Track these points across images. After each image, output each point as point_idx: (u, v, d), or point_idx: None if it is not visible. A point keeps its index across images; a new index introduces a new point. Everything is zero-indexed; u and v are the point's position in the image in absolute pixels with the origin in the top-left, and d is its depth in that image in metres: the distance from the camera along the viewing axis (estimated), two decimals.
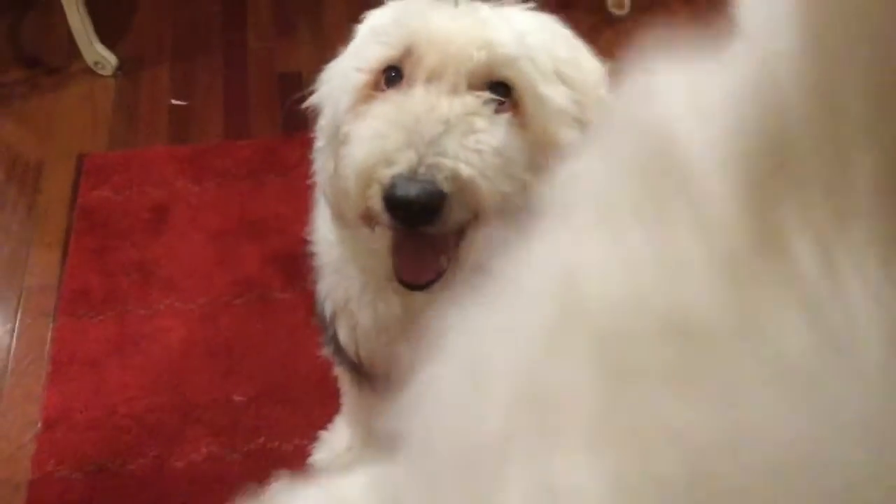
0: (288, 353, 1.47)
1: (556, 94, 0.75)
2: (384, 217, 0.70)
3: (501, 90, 0.74)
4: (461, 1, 0.77)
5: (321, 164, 0.83)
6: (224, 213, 1.72)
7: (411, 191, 0.67)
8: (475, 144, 0.70)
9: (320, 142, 0.84)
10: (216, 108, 1.96)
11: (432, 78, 0.73)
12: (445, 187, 0.68)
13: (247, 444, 1.34)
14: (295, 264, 1.61)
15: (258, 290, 1.57)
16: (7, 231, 1.69)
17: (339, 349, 0.99)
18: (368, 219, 0.74)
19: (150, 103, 1.97)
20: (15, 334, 1.51)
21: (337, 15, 2.14)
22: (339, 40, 0.84)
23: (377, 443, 1.27)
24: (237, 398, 1.40)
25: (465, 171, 0.69)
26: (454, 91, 0.72)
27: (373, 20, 0.81)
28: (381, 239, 0.77)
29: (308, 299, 1.54)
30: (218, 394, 1.41)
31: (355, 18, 0.83)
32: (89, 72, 2.03)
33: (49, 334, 1.50)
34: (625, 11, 2.16)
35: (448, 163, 0.68)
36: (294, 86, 1.98)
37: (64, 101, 1.98)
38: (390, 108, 0.72)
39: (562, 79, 0.77)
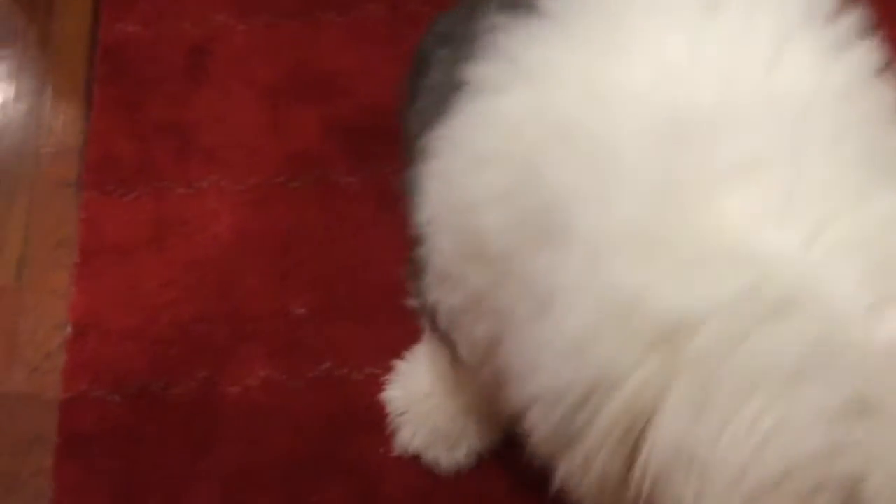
0: (356, 255, 1.24)
1: None
2: None
3: None
4: None
5: None
6: (274, 62, 1.41)
7: None
8: None
9: None
10: None
11: None
12: None
13: (310, 370, 1.15)
14: (363, 139, 1.34)
15: (318, 169, 1.31)
16: (17, 74, 1.40)
17: (447, 340, 0.76)
18: None
19: None
20: (32, 209, 1.28)
21: None
22: None
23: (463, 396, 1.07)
24: (297, 310, 1.19)
25: None
26: None
27: None
28: None
29: (380, 188, 1.29)
30: (275, 303, 1.20)
31: None
32: None
33: (75, 212, 1.27)
34: None
35: None
36: None
37: None
38: None
39: None
